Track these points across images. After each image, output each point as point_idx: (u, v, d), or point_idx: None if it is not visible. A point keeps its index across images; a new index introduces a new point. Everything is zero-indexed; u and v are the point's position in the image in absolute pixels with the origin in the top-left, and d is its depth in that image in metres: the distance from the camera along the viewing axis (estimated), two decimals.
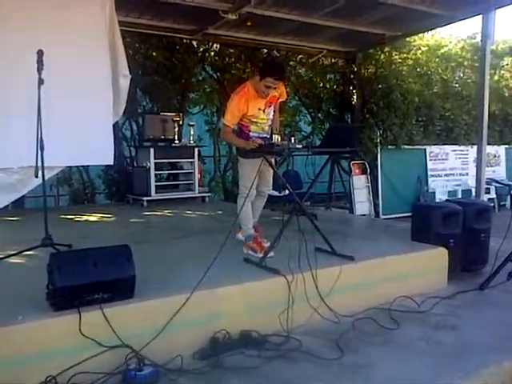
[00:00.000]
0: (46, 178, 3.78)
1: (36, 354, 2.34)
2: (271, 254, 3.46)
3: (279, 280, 3.10)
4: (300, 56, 9.11)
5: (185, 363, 2.57)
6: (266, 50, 8.82)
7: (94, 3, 5.62)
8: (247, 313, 2.96)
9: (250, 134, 3.79)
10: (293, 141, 3.35)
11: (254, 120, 3.77)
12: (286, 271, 3.11)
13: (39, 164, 3.55)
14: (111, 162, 6.02)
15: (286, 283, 3.09)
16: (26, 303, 2.60)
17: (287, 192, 6.44)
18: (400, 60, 9.38)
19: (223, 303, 2.89)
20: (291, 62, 9.13)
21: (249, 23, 6.87)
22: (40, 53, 3.60)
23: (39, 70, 3.56)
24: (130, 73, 5.92)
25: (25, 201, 6.60)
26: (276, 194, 6.80)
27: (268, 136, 3.82)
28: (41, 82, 3.55)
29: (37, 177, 3.51)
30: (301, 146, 3.54)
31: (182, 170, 7.14)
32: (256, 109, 3.72)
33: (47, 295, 2.54)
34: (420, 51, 9.60)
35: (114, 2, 5.72)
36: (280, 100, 4.00)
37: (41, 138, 3.54)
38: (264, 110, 3.78)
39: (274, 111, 3.95)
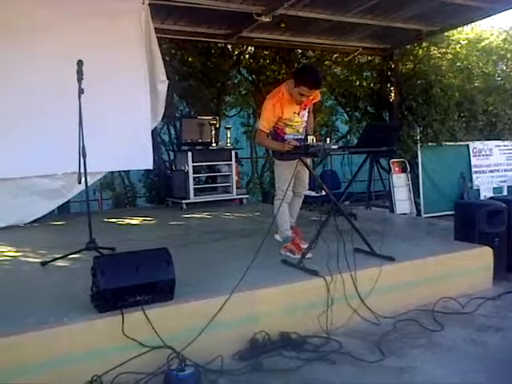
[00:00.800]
0: (88, 183, 3.89)
1: (82, 355, 2.42)
2: (309, 255, 3.45)
3: (318, 281, 3.08)
4: (335, 55, 9.03)
5: (225, 364, 2.60)
6: (300, 51, 8.81)
7: (130, 12, 5.78)
8: (286, 314, 2.96)
9: (285, 136, 3.78)
10: (328, 141, 3.32)
11: (289, 123, 3.76)
12: (325, 272, 3.10)
13: (82, 170, 3.67)
14: (150, 167, 6.17)
15: (325, 284, 3.07)
16: (72, 305, 2.69)
17: (324, 192, 6.44)
18: (439, 55, 9.14)
19: (262, 304, 2.90)
20: (326, 62, 9.06)
21: (283, 25, 6.87)
22: (80, 63, 3.71)
23: (79, 79, 3.67)
24: (168, 78, 6.05)
25: (70, 205, 6.84)
26: (313, 194, 6.78)
27: (303, 137, 3.81)
28: (81, 91, 3.67)
29: (80, 183, 3.63)
30: (336, 147, 3.52)
31: (220, 172, 7.21)
32: (291, 113, 3.71)
33: (91, 297, 2.63)
34: (459, 45, 9.32)
35: (150, 10, 5.86)
36: (314, 101, 3.98)
37: (83, 145, 3.66)
38: (299, 113, 3.76)
39: (309, 112, 3.93)
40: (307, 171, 3.90)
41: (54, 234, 5.24)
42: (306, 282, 3.10)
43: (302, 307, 3.02)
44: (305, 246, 3.67)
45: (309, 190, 7.23)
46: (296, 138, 3.78)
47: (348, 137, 9.33)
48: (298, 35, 7.76)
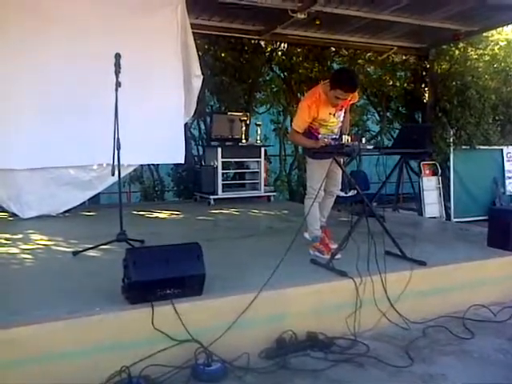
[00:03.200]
0: (121, 176, 3.94)
1: (112, 345, 2.45)
2: (338, 255, 3.42)
3: (347, 282, 3.05)
4: (369, 54, 8.92)
5: (251, 361, 2.59)
6: (333, 49, 8.72)
7: (167, 7, 5.84)
8: (314, 314, 2.94)
9: (319, 136, 3.75)
10: (363, 141, 3.28)
11: (324, 124, 3.72)
12: (354, 274, 3.06)
13: (115, 163, 3.71)
14: (182, 161, 6.22)
15: (354, 286, 3.04)
16: (103, 295, 2.73)
17: (353, 192, 6.37)
18: (476, 56, 8.93)
19: (290, 304, 2.89)
20: (359, 60, 8.96)
21: (317, 22, 6.81)
22: (118, 56, 3.75)
23: (116, 72, 3.72)
24: (202, 73, 6.08)
25: (100, 197, 6.95)
26: (342, 194, 6.71)
27: (337, 137, 3.77)
28: (118, 84, 3.71)
29: (113, 175, 3.68)
30: (372, 147, 3.47)
31: (249, 169, 7.21)
32: (327, 114, 3.66)
33: (122, 288, 2.66)
34: (498, 46, 9.08)
35: (186, 5, 5.89)
36: (352, 102, 3.93)
37: (118, 137, 3.70)
38: (334, 114, 3.72)
39: (345, 112, 3.88)
40: (340, 171, 3.85)
41: (85, 225, 5.33)
42: (335, 283, 3.07)
43: (330, 308, 3.00)
44: (334, 246, 3.64)
45: None
46: (330, 138, 3.75)
47: (379, 137, 9.20)
48: (332, 33, 7.71)
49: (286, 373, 2.56)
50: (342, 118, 3.82)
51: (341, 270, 3.16)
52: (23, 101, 5.18)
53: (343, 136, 3.46)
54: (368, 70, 9.15)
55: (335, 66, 9.01)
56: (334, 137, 3.78)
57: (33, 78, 5.17)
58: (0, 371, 2.23)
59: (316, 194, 3.60)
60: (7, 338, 2.27)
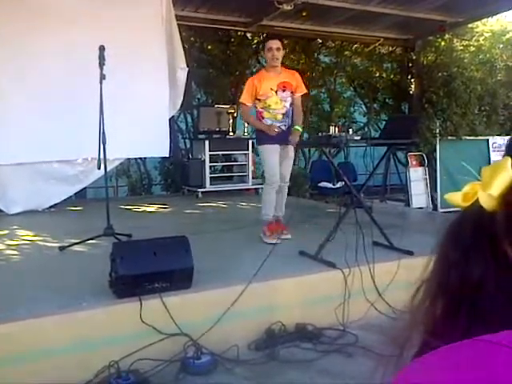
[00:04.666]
0: (107, 169, 3.90)
1: (100, 340, 2.44)
2: (288, 235, 3.83)
3: (335, 273, 3.06)
4: (356, 45, 8.92)
5: (241, 353, 2.59)
6: (320, 40, 8.71)
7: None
8: (303, 306, 2.95)
9: (263, 121, 3.91)
10: (351, 132, 3.28)
11: (267, 104, 3.85)
12: (343, 265, 3.07)
13: (101, 156, 3.67)
14: (167, 154, 6.18)
15: (343, 277, 3.05)
16: (90, 290, 2.71)
17: (341, 184, 6.39)
18: (461, 47, 8.98)
19: (279, 295, 2.90)
20: (346, 52, 8.98)
21: (304, 13, 6.78)
22: (102, 48, 3.70)
23: (101, 65, 3.67)
24: (187, 66, 6.03)
25: (86, 191, 6.89)
26: (330, 186, 6.74)
27: (285, 126, 3.89)
28: (102, 77, 3.66)
29: (99, 169, 3.64)
30: (359, 138, 3.47)
31: (236, 161, 7.19)
32: (268, 88, 3.85)
33: (110, 283, 2.64)
34: (483, 37, 9.14)
35: None
36: (298, 94, 4.03)
37: (103, 131, 3.66)
38: (276, 92, 3.85)
39: (294, 105, 3.97)
40: (290, 163, 4.01)
41: (72, 220, 5.28)
42: (324, 274, 3.08)
43: (319, 299, 3.01)
44: (286, 236, 3.88)
45: (325, 181, 7.22)
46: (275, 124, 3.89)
47: (366, 128, 9.23)
48: (319, 24, 7.67)
49: (275, 364, 2.56)
50: (286, 106, 3.92)
51: (329, 261, 3.17)
52: (7, 95, 5.10)
53: (331, 127, 3.46)
54: (355, 61, 9.17)
55: (322, 57, 9.01)
56: (279, 125, 3.87)
57: (18, 72, 5.10)
58: None
59: (272, 179, 3.82)
60: None
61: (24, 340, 2.30)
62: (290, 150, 3.99)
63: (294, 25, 7.59)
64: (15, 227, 4.66)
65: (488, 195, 0.43)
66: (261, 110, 3.93)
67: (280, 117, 3.93)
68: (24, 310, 2.45)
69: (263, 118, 3.93)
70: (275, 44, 3.95)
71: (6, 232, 4.46)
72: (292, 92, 3.97)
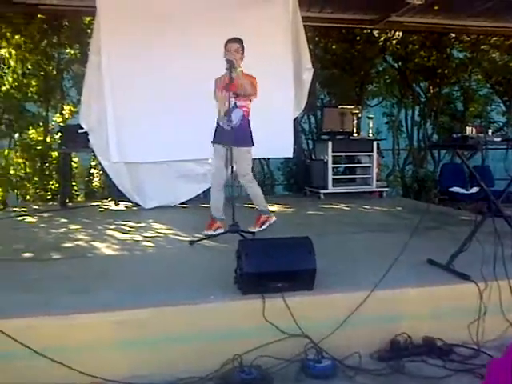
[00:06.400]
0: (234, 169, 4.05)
1: (224, 333, 2.53)
2: (220, 230, 4.07)
3: (469, 286, 2.82)
4: (494, 38, 8.20)
5: (363, 362, 2.51)
6: (453, 35, 8.16)
7: (279, 2, 5.85)
8: (431, 318, 2.76)
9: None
10: (490, 133, 3.01)
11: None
12: (478, 277, 2.82)
13: (228, 157, 3.83)
14: (291, 155, 6.24)
15: (478, 291, 2.79)
16: (216, 284, 2.82)
17: (476, 189, 5.89)
18: None
19: (405, 305, 2.74)
20: (483, 46, 8.30)
21: (436, 7, 6.41)
22: (230, 63, 3.87)
23: (230, 75, 3.83)
24: (313, 66, 6.03)
25: None
26: (463, 191, 6.25)
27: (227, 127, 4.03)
28: (231, 80, 3.82)
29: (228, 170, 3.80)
30: (499, 140, 3.16)
31: (360, 163, 7.02)
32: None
33: (235, 279, 2.73)
34: None
35: None
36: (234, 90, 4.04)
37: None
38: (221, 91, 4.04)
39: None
40: (240, 161, 4.07)
41: (201, 216, 5.56)
42: (456, 286, 2.86)
43: (450, 313, 2.79)
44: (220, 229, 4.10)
45: (457, 186, 6.71)
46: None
47: (505, 129, 8.43)
48: (452, 18, 7.20)
49: (400, 377, 2.43)
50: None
51: (463, 273, 2.93)
52: (145, 100, 5.55)
53: (467, 127, 3.19)
54: (493, 56, 8.42)
55: (455, 53, 8.43)
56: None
57: (152, 77, 5.51)
58: (119, 350, 2.41)
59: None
60: (124, 320, 2.43)
61: (152, 326, 2.45)
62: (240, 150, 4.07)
63: (424, 19, 7.22)
64: (151, 220, 5.06)
65: None
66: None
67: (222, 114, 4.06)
68: (154, 298, 2.62)
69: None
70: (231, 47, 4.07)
71: (143, 224, 4.86)
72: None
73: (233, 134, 3.96)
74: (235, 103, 4.06)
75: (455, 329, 2.74)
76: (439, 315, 2.77)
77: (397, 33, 8.15)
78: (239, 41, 4.12)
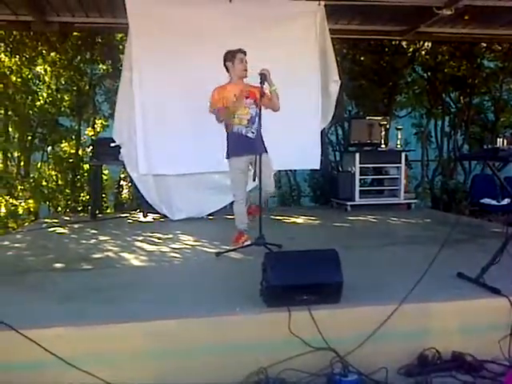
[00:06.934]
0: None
1: (249, 345, 2.52)
2: (248, 242, 4.03)
3: (500, 300, 2.75)
4: None
5: (390, 377, 2.47)
6: (484, 44, 8.03)
7: (306, 15, 5.91)
8: (460, 333, 2.70)
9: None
10: None
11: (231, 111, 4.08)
12: (509, 291, 2.75)
13: (256, 170, 3.86)
14: (318, 167, 6.24)
15: (509, 305, 2.72)
16: (242, 296, 2.83)
17: (508, 201, 5.75)
18: None
19: (434, 319, 2.69)
20: None
21: (466, 17, 6.33)
22: (263, 76, 3.93)
23: (262, 82, 3.91)
24: (340, 78, 6.04)
25: None
26: (494, 202, 6.11)
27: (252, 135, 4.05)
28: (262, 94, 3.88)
29: (254, 180, 3.83)
30: None
31: (388, 175, 6.94)
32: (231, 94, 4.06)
33: (260, 291, 2.73)
34: None
35: (325, 11, 5.90)
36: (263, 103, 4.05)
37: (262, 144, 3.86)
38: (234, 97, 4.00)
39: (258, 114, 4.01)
40: (265, 168, 3.93)
41: (227, 228, 5.58)
42: (487, 300, 2.79)
43: (480, 328, 2.73)
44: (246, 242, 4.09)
45: (488, 197, 6.57)
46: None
47: None
48: (483, 27, 7.09)
49: None
50: (251, 112, 4.12)
51: (493, 287, 2.85)
52: (172, 114, 5.66)
53: (498, 139, 3.13)
54: None
55: (486, 62, 8.29)
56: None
57: (180, 91, 5.60)
58: (146, 360, 2.44)
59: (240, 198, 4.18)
60: (151, 330, 2.47)
61: (178, 337, 2.47)
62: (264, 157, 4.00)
63: (454, 29, 7.14)
64: (178, 232, 5.13)
65: None
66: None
67: (245, 122, 4.05)
68: (180, 309, 2.65)
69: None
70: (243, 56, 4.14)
71: (170, 236, 4.93)
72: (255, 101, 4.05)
73: (259, 141, 3.97)
74: (258, 111, 4.06)
75: (485, 344, 2.67)
76: (469, 330, 2.70)
77: (426, 43, 8.08)
78: (245, 52, 4.23)
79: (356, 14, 6.49)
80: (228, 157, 4.21)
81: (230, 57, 4.20)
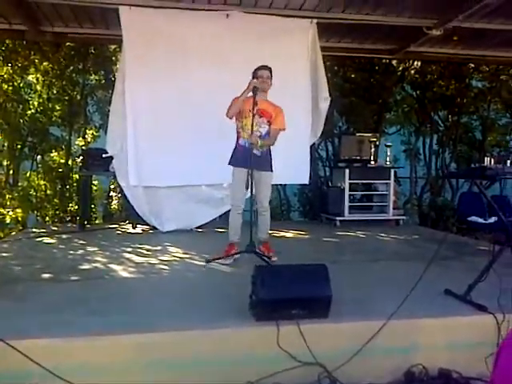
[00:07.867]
0: (250, 194, 4.11)
1: (238, 359, 2.52)
2: (275, 258, 4.05)
3: (487, 318, 2.78)
4: None
5: None
6: (472, 65, 8.20)
7: (298, 32, 5.99)
8: (447, 350, 2.72)
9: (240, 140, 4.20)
10: (508, 164, 3.00)
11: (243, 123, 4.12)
12: (496, 309, 2.78)
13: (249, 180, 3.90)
14: (307, 182, 6.28)
15: (495, 322, 2.75)
16: (231, 309, 2.82)
17: (494, 219, 5.81)
18: None
19: (421, 336, 2.71)
20: (503, 76, 8.30)
21: (455, 38, 6.46)
22: (255, 89, 3.98)
23: (253, 105, 3.96)
24: (329, 95, 6.11)
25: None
26: (481, 220, 6.17)
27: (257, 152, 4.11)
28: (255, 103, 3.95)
29: (247, 189, 3.88)
30: None
31: (377, 191, 7.01)
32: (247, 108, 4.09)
33: (250, 305, 2.72)
34: None
35: (317, 29, 5.99)
36: (275, 127, 4.25)
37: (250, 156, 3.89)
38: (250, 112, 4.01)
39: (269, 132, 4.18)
40: (262, 186, 4.11)
41: (217, 240, 5.59)
42: (473, 318, 2.82)
43: (466, 345, 2.75)
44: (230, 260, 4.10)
45: (475, 215, 6.64)
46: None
47: None
48: (472, 48, 7.25)
49: None
50: (260, 129, 4.19)
51: (480, 304, 2.89)
52: (163, 127, 5.69)
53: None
54: None
55: (474, 82, 8.45)
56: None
57: (171, 105, 5.66)
58: (133, 372, 2.42)
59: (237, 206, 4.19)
60: (138, 343, 2.46)
61: (166, 350, 2.46)
62: (264, 175, 4.15)
63: (443, 50, 7.28)
64: (167, 244, 5.11)
65: None
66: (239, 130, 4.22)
67: (253, 140, 4.07)
68: (168, 321, 2.64)
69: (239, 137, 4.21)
70: (266, 73, 4.18)
71: (159, 248, 4.91)
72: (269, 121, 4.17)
73: (262, 160, 4.06)
74: (269, 130, 4.18)
75: (472, 361, 2.69)
76: (456, 347, 2.73)
77: (415, 62, 8.23)
78: (269, 69, 4.22)
79: (347, 32, 6.60)
80: (230, 163, 4.26)
81: (254, 72, 4.24)
